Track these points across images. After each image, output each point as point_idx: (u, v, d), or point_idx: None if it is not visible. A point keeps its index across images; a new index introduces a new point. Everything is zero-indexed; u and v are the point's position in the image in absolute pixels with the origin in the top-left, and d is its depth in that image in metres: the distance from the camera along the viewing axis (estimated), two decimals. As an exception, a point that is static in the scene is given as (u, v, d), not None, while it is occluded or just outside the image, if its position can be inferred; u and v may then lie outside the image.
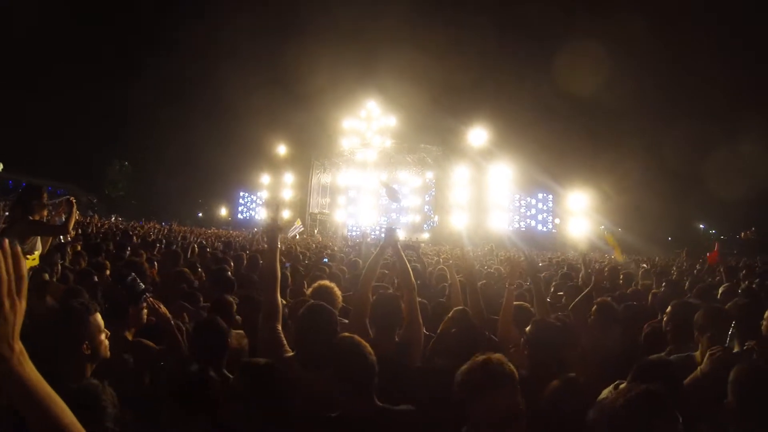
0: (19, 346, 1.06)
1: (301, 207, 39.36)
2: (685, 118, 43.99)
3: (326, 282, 3.68)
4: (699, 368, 2.33)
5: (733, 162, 38.81)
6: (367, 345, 2.33)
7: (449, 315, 2.94)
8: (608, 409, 1.87)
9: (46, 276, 4.45)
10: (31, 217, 4.62)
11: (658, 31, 46.02)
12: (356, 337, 2.37)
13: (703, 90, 43.72)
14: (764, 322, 3.24)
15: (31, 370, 1.08)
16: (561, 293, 5.59)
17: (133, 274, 3.11)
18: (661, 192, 42.91)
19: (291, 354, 2.55)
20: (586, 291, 4.48)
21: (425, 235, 35.11)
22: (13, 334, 1.05)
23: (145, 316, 3.11)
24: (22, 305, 1.07)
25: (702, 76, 43.88)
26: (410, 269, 3.41)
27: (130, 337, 3.04)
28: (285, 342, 2.58)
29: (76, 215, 4.93)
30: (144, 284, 3.13)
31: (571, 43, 41.50)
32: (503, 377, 1.84)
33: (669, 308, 3.46)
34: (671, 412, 1.86)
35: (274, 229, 2.93)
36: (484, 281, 6.26)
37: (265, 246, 3.24)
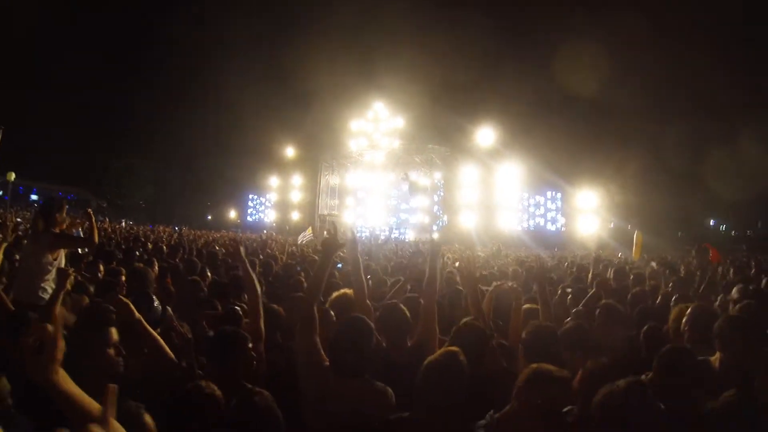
0: (62, 371, 1.39)
1: (309, 209, 39.51)
2: (694, 115, 43.67)
3: (347, 290, 3.75)
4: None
5: (743, 158, 38.51)
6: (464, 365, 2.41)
7: (458, 325, 3.03)
8: (600, 401, 2.08)
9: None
10: (53, 230, 4.64)
11: (670, 26, 45.62)
12: (458, 353, 2.45)
13: (715, 86, 43.38)
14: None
15: (73, 387, 1.40)
16: (569, 290, 5.63)
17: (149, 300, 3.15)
18: (670, 188, 42.67)
19: (327, 363, 2.62)
20: (590, 294, 4.56)
21: (435, 236, 35.10)
22: (58, 365, 1.39)
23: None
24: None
25: (712, 71, 43.54)
26: (437, 277, 3.45)
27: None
28: (322, 351, 2.66)
29: (97, 226, 4.91)
30: (150, 298, 3.18)
31: (578, 41, 41.40)
32: (562, 380, 2.19)
33: (689, 310, 3.47)
34: (653, 404, 2.03)
35: (332, 245, 2.93)
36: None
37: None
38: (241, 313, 3.68)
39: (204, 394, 2.15)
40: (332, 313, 3.46)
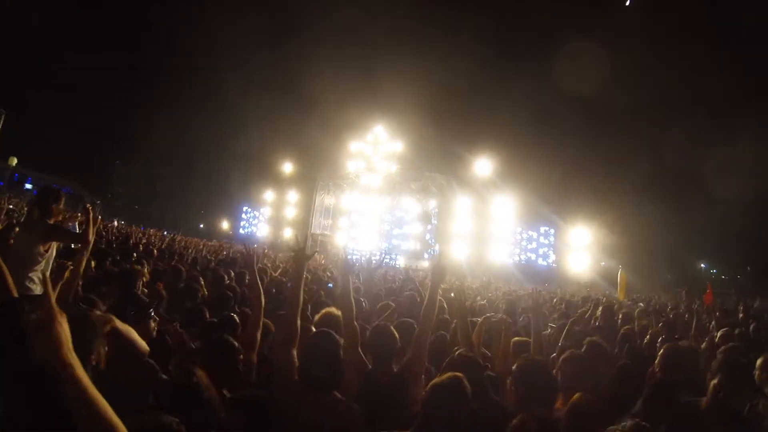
0: (74, 354, 1.32)
1: (303, 227, 39.43)
2: (688, 156, 43.68)
3: (333, 309, 3.75)
4: None
5: (735, 203, 38.78)
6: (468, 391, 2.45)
7: (452, 356, 3.07)
8: None
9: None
10: (48, 220, 4.53)
11: (672, 55, 45.73)
12: (463, 378, 2.49)
13: (711, 126, 43.71)
14: (757, 372, 3.28)
15: (84, 376, 1.31)
16: (553, 325, 5.70)
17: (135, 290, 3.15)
18: (662, 230, 42.85)
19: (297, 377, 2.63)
20: (567, 327, 4.62)
21: (425, 264, 35.04)
22: (68, 344, 1.33)
23: (154, 331, 3.15)
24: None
25: (710, 103, 43.91)
26: (436, 304, 3.41)
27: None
28: (297, 365, 2.67)
29: (94, 224, 4.46)
30: (139, 294, 3.18)
31: (582, 73, 41.65)
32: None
33: (661, 351, 3.53)
34: None
35: (302, 256, 3.03)
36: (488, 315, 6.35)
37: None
38: (238, 321, 3.69)
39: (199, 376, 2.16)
40: (313, 329, 3.47)
